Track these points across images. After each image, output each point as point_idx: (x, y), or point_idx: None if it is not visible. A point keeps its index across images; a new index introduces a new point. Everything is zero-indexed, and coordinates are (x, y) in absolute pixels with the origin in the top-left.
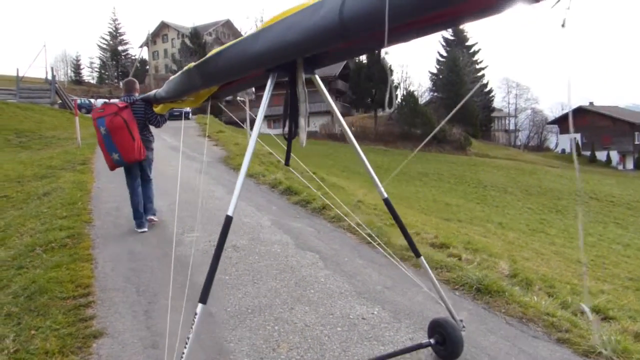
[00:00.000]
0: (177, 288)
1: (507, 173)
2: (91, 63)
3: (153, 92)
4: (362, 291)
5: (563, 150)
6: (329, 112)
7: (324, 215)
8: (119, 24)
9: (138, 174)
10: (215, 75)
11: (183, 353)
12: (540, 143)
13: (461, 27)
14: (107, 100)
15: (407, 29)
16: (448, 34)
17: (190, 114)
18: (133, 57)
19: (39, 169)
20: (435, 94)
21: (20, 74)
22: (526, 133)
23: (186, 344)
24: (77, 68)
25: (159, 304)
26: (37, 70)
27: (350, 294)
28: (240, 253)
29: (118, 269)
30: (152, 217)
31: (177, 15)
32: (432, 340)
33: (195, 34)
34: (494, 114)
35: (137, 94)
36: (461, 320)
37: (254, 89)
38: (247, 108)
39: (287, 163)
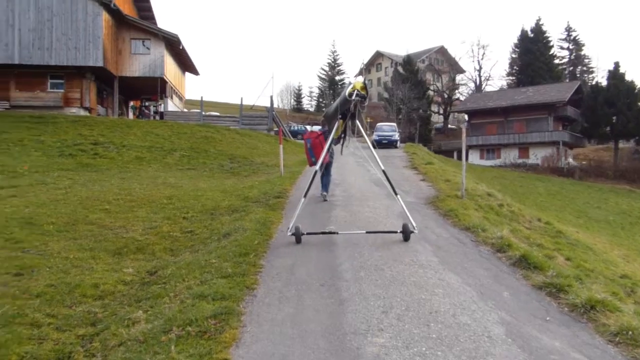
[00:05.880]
0: None
1: None
2: (310, 92)
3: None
4: None
5: None
6: (553, 143)
7: (593, 319)
8: (337, 55)
9: (324, 169)
10: (327, 119)
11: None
12: None
13: None
14: (317, 127)
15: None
16: None
17: (398, 142)
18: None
19: (235, 200)
20: None
21: (250, 104)
22: None
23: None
24: (298, 97)
25: None
26: (265, 99)
27: None
28: None
29: None
30: (325, 193)
31: (392, 44)
32: (399, 230)
33: (408, 61)
34: None
35: (327, 127)
36: (415, 226)
37: (466, 117)
38: (464, 137)
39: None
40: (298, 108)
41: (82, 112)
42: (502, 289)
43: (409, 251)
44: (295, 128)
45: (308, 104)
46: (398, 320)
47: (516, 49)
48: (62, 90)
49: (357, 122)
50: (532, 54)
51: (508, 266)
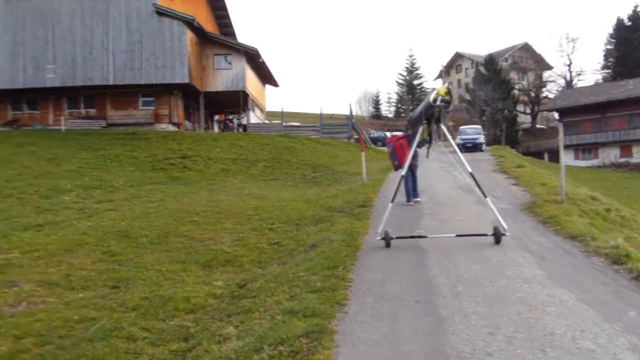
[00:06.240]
0: None
1: None
2: (389, 98)
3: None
4: None
5: None
6: None
7: None
8: (414, 59)
9: (409, 172)
10: (410, 124)
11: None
12: None
13: None
14: (397, 133)
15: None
16: None
17: (484, 145)
18: (427, 90)
19: (319, 210)
20: None
21: (330, 112)
22: None
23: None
24: (376, 104)
25: None
26: (343, 107)
27: None
28: None
29: None
30: (416, 200)
31: (472, 44)
32: (488, 232)
33: (490, 61)
34: None
35: (410, 131)
36: (506, 228)
37: (556, 115)
38: (561, 136)
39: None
40: (376, 115)
41: (171, 128)
42: (627, 308)
43: (510, 263)
44: (375, 135)
45: (387, 110)
46: (508, 344)
47: (611, 40)
48: (152, 108)
49: (443, 126)
50: (630, 44)
51: (629, 280)
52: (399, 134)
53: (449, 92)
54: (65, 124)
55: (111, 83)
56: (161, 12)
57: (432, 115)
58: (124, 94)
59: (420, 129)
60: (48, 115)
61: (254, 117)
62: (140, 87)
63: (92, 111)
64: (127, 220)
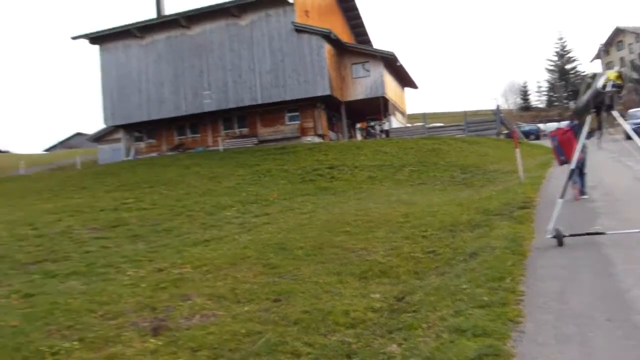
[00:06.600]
0: None
1: None
2: (539, 87)
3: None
4: None
5: None
6: None
7: None
8: (564, 42)
9: (576, 168)
10: (576, 114)
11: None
12: None
13: None
14: (559, 125)
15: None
16: None
17: None
18: (583, 74)
19: (474, 214)
20: None
21: (472, 109)
22: None
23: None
24: (524, 95)
25: None
26: (487, 102)
27: None
28: None
29: None
30: (584, 197)
31: (635, 16)
32: None
33: None
34: None
35: (576, 121)
36: None
37: None
38: None
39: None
40: (526, 106)
41: (317, 139)
42: None
43: None
44: (526, 128)
45: (536, 100)
46: None
47: None
48: (297, 122)
49: (615, 114)
50: None
51: None
52: (559, 125)
53: (620, 76)
54: (223, 144)
55: (259, 102)
56: (299, 29)
57: (602, 103)
58: (272, 111)
59: (589, 119)
60: (207, 137)
61: (395, 122)
62: (285, 103)
63: (245, 130)
64: (283, 232)
